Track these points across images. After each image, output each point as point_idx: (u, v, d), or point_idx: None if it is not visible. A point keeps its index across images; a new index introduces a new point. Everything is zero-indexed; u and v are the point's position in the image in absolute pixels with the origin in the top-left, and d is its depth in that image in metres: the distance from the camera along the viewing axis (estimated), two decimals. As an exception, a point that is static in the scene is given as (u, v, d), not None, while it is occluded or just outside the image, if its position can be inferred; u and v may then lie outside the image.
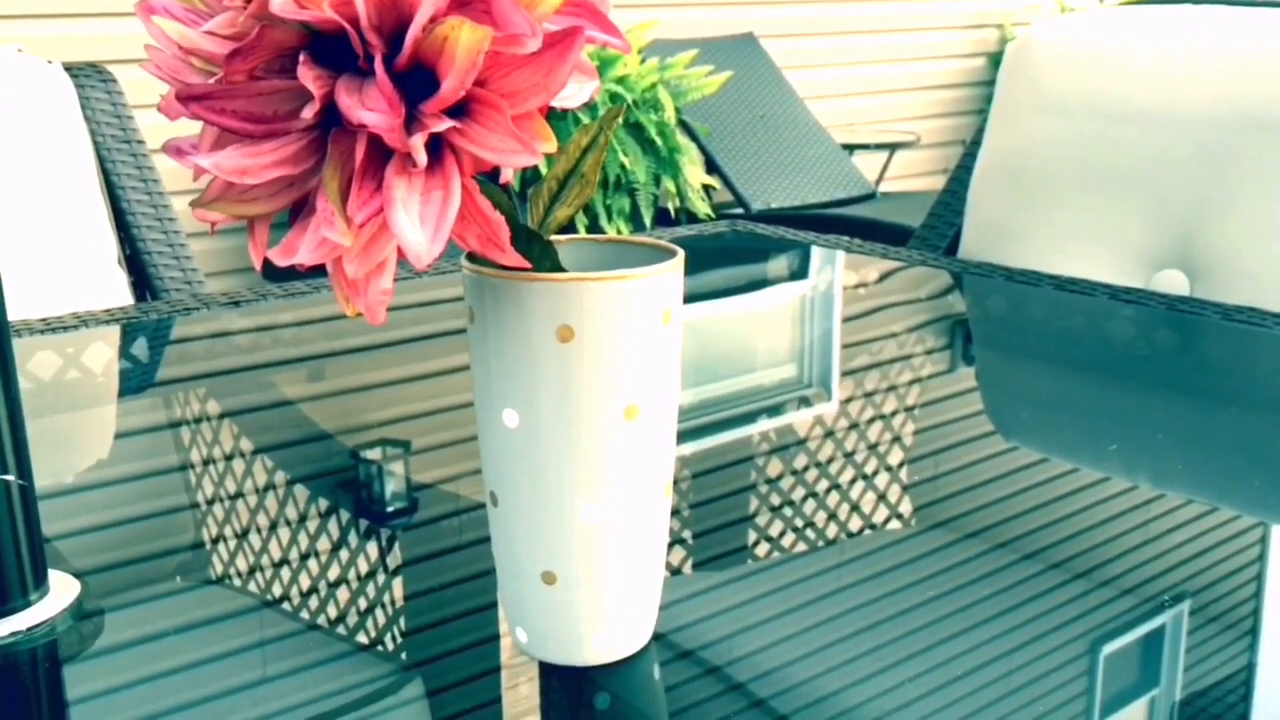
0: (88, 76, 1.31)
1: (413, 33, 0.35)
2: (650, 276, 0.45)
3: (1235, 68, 1.21)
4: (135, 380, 0.93)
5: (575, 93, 0.40)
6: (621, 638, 0.49)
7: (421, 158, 0.35)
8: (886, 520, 0.65)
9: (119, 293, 1.26)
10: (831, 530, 0.64)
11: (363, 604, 0.56)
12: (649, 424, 0.46)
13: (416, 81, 0.37)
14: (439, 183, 0.37)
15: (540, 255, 0.45)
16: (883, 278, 1.18)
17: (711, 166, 3.39)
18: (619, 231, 3.11)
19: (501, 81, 0.37)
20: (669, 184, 3.19)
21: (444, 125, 0.36)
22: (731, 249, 1.32)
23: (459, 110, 0.37)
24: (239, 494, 0.68)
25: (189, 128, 0.39)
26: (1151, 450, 0.77)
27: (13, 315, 0.97)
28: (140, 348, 1.00)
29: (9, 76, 1.24)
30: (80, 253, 1.24)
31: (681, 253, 0.47)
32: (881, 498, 0.67)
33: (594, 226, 3.10)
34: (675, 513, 0.61)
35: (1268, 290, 1.14)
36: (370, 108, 0.35)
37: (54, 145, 1.25)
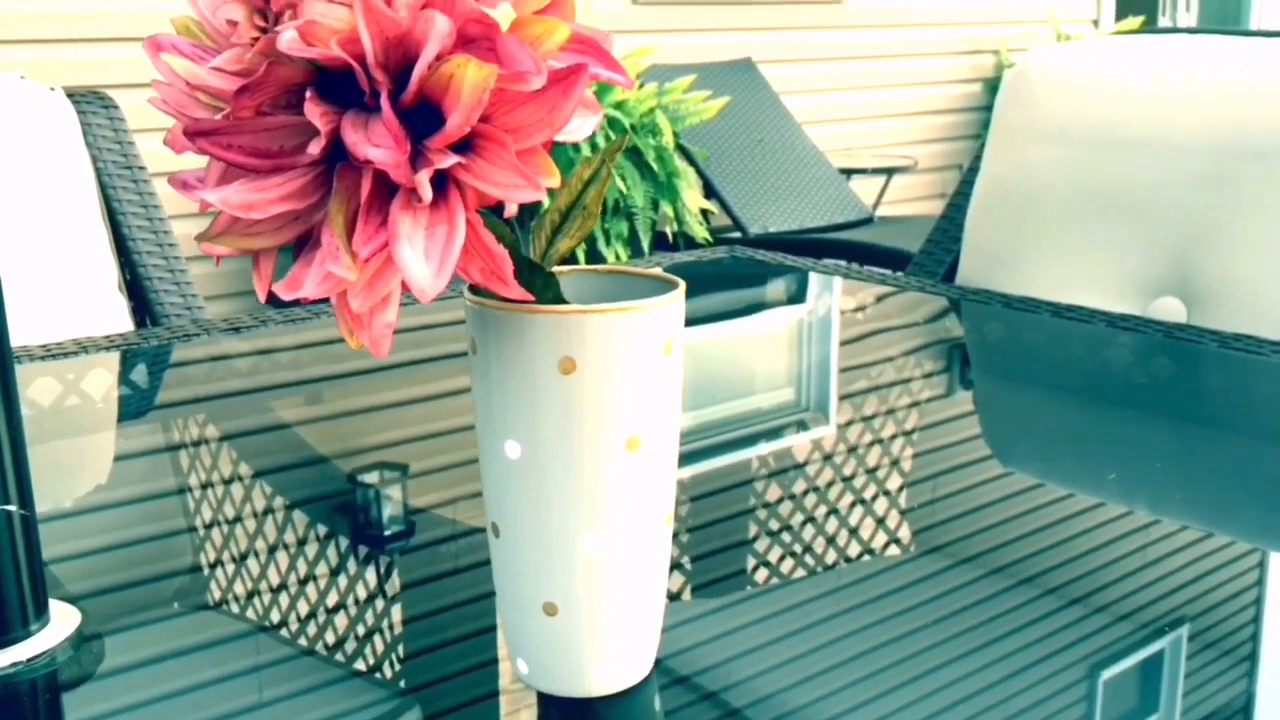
0: (89, 103, 1.32)
1: (419, 70, 0.35)
2: (652, 309, 0.45)
3: (1232, 96, 1.21)
4: (135, 406, 0.93)
5: (579, 126, 0.41)
6: (623, 668, 0.49)
7: (427, 194, 0.36)
8: (886, 545, 0.65)
9: (119, 318, 1.26)
10: (830, 556, 0.64)
11: (361, 630, 0.56)
12: (650, 455, 0.47)
13: (421, 116, 0.37)
14: (443, 217, 0.37)
15: (542, 287, 0.45)
16: (880, 304, 1.18)
17: (710, 191, 3.40)
18: (617, 256, 3.12)
19: (506, 117, 0.37)
20: (667, 208, 3.20)
21: (449, 161, 0.36)
22: (730, 275, 1.32)
23: (463, 145, 0.37)
24: (238, 519, 0.68)
25: (194, 159, 0.39)
26: (1149, 477, 0.77)
27: (14, 341, 0.97)
28: (140, 374, 1.00)
29: (11, 103, 1.24)
30: (81, 279, 1.25)
31: (682, 284, 0.47)
32: (880, 523, 0.68)
33: (592, 250, 3.11)
34: (674, 536, 0.61)
35: (1265, 317, 1.14)
36: (376, 144, 0.35)
37: (56, 172, 1.26)
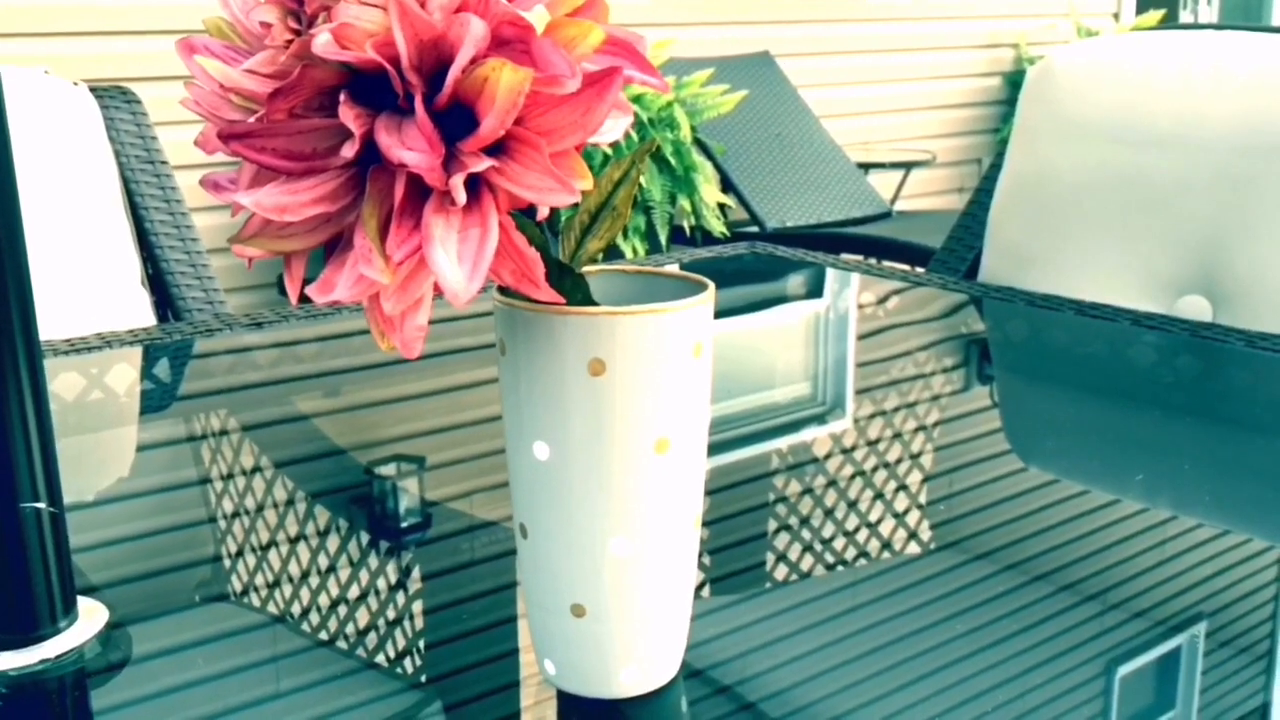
0: (112, 98, 1.32)
1: (453, 74, 0.35)
2: (682, 310, 0.45)
3: (1258, 93, 1.20)
4: (157, 400, 0.94)
5: (611, 128, 0.41)
6: (650, 671, 0.49)
7: (461, 198, 0.35)
8: (906, 543, 0.65)
9: (142, 313, 1.26)
10: (851, 554, 0.63)
11: (383, 622, 0.56)
12: (679, 457, 0.46)
13: (455, 118, 0.37)
14: (477, 220, 0.37)
15: (571, 288, 0.45)
16: (903, 303, 1.18)
17: (727, 185, 3.40)
18: (634, 250, 3.12)
19: (539, 120, 0.37)
20: (684, 202, 3.20)
21: (483, 165, 0.36)
22: (751, 271, 1.32)
23: (497, 148, 0.37)
24: (259, 512, 0.69)
25: (220, 156, 0.39)
26: (1174, 476, 0.76)
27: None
28: (163, 368, 1.01)
29: (35, 98, 1.25)
30: (104, 273, 1.25)
31: (712, 286, 0.47)
32: (900, 522, 0.67)
33: (609, 245, 3.11)
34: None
35: (1291, 317, 1.13)
36: (410, 147, 0.35)
37: (79, 166, 1.26)
